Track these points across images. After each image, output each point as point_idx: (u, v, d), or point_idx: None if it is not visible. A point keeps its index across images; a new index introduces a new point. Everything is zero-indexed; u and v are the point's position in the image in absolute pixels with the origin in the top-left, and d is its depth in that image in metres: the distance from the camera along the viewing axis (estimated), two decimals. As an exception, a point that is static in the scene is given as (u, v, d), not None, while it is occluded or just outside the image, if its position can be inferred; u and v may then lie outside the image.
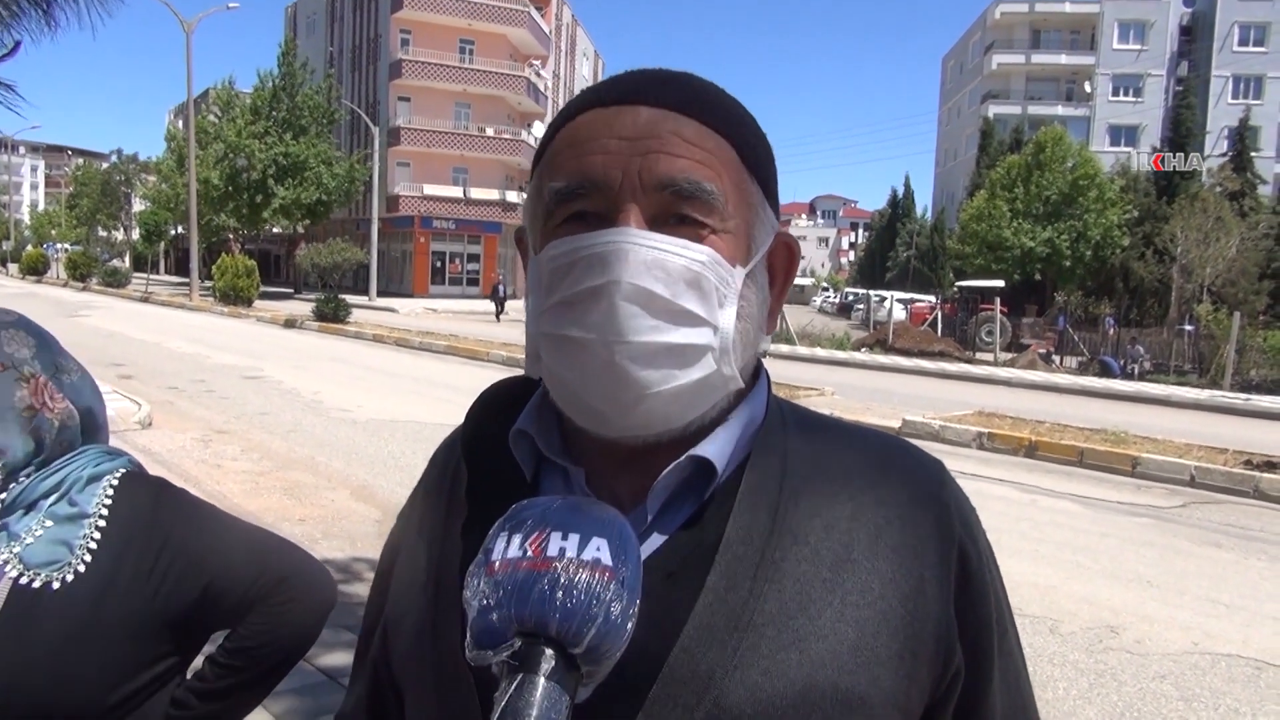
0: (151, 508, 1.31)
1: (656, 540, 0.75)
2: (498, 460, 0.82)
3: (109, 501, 1.28)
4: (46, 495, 1.26)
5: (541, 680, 0.58)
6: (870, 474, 0.79)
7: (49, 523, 1.25)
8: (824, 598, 0.72)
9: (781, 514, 0.74)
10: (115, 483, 1.30)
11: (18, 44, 2.20)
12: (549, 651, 0.59)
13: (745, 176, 0.77)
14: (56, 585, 1.21)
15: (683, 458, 0.75)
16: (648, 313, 0.70)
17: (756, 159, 0.79)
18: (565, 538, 0.61)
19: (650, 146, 0.73)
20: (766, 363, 0.85)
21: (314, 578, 1.44)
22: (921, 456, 0.83)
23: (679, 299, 0.71)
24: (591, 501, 0.67)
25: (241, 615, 1.36)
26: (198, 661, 1.41)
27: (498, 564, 0.61)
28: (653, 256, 0.70)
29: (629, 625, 0.61)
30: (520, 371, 0.85)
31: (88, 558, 1.24)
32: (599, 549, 0.61)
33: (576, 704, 0.61)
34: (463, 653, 0.63)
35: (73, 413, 1.32)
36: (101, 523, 1.26)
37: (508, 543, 0.62)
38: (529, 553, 0.61)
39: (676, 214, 0.73)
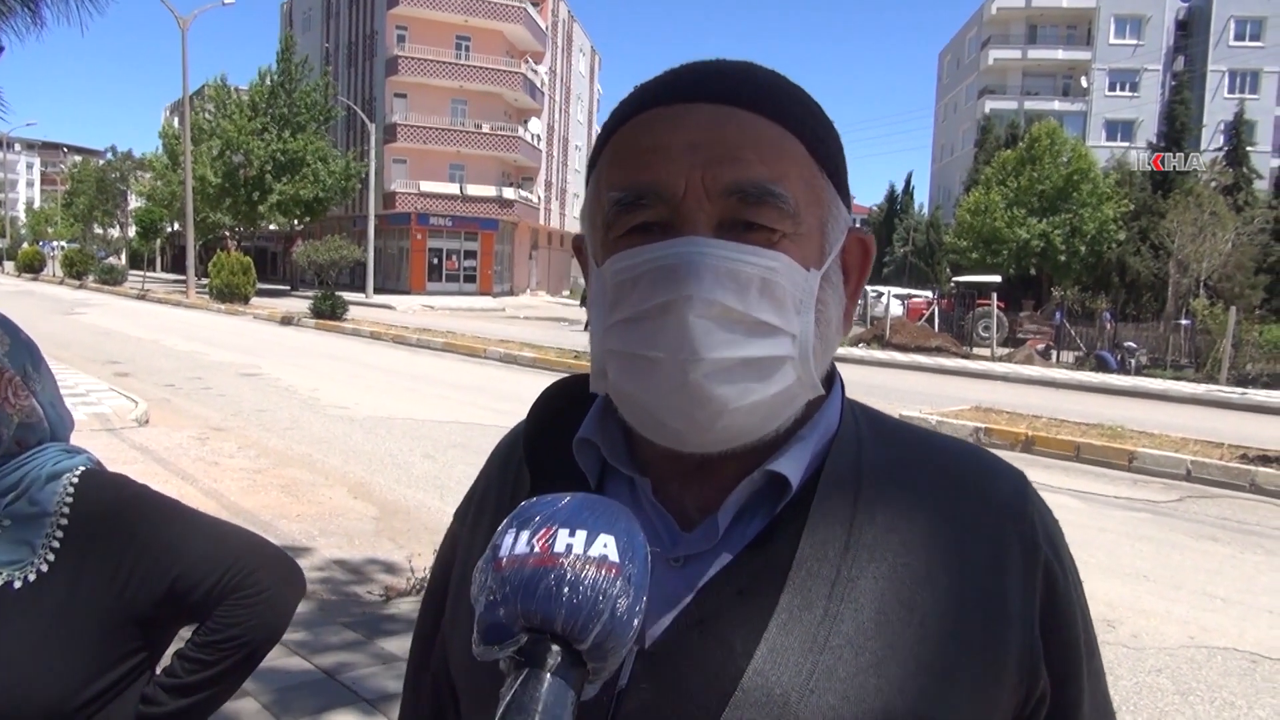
0: (114, 505, 1.31)
1: (726, 556, 0.72)
2: (561, 464, 0.79)
3: (70, 500, 1.28)
4: (4, 494, 1.25)
5: (547, 676, 0.58)
6: (949, 486, 0.75)
7: (7, 521, 1.24)
8: (903, 618, 0.68)
9: (857, 530, 0.71)
10: (75, 480, 1.30)
11: (0, 48, 2.20)
12: (555, 647, 0.59)
13: (816, 172, 0.72)
14: (18, 584, 1.22)
15: (756, 472, 0.72)
16: (722, 327, 0.66)
17: (827, 152, 0.73)
18: (573, 534, 0.60)
19: (714, 150, 0.68)
20: None
21: (282, 570, 1.43)
22: (1002, 467, 0.78)
23: (754, 310, 0.67)
24: (600, 499, 0.65)
25: (209, 609, 1.35)
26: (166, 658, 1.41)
27: (505, 560, 0.61)
28: (724, 266, 0.66)
29: (635, 622, 0.61)
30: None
31: (51, 557, 1.24)
32: (606, 545, 0.60)
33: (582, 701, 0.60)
34: None
35: (36, 411, 1.30)
36: (64, 521, 1.26)
37: (515, 539, 0.61)
38: (536, 549, 0.60)
39: (744, 221, 0.68)
